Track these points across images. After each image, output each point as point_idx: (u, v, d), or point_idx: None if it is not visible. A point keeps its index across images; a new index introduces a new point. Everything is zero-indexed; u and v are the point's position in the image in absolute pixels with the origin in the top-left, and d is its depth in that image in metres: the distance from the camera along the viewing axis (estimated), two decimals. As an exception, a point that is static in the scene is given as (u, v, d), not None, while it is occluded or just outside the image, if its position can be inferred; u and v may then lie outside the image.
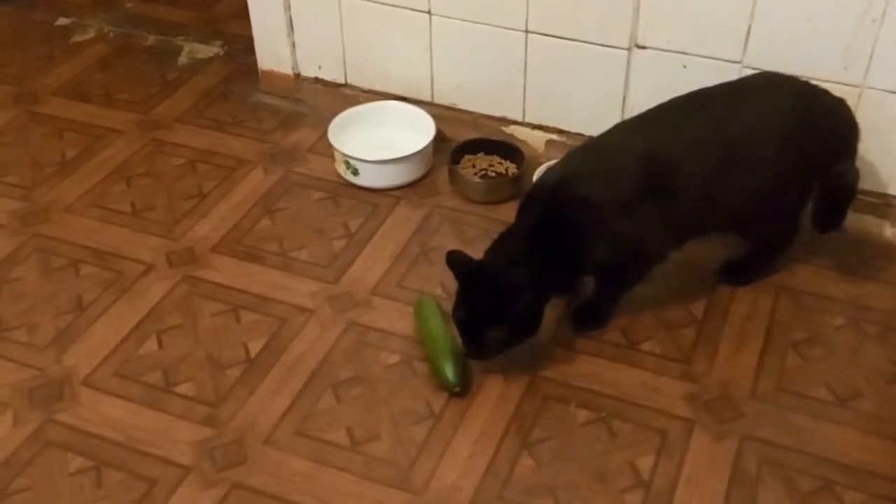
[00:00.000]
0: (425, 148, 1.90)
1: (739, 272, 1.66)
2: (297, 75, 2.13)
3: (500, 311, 1.40)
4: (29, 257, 1.74)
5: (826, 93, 1.56)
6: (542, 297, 1.46)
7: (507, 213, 1.64)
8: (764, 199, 1.52)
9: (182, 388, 1.50)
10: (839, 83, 1.64)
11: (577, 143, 1.90)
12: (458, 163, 1.91)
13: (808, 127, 1.51)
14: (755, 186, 1.49)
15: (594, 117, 1.88)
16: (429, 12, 1.90)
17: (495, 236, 1.50)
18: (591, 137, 1.58)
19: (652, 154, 1.45)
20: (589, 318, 1.58)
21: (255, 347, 1.56)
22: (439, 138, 1.95)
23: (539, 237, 1.44)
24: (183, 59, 2.32)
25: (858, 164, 1.61)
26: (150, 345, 1.57)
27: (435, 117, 1.96)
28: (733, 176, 1.47)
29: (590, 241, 1.44)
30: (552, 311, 1.54)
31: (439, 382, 1.48)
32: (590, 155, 1.53)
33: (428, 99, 2.02)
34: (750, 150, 1.47)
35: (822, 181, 1.56)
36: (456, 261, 1.45)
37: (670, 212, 1.46)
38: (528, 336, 1.46)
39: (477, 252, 1.48)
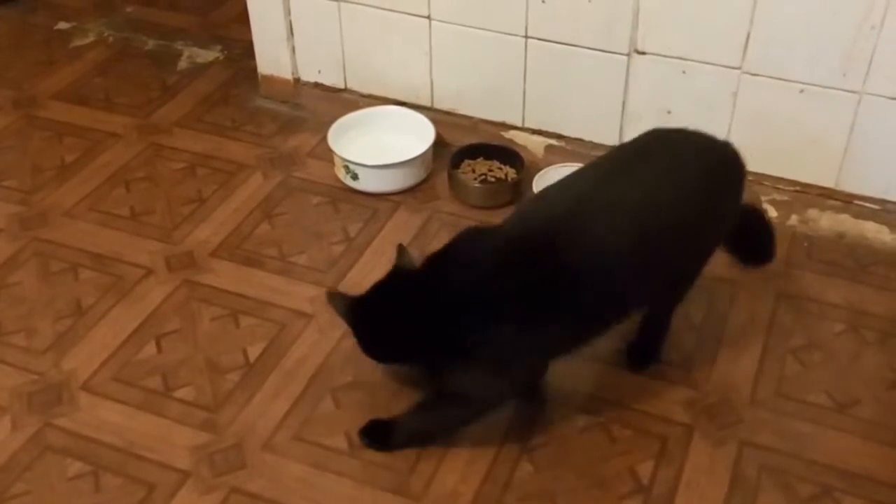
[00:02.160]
0: (424, 153, 1.90)
1: (649, 351, 1.52)
2: (297, 80, 2.14)
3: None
4: (28, 261, 1.74)
5: (715, 138, 1.42)
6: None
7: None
8: (691, 263, 1.43)
9: (181, 393, 1.49)
10: (838, 89, 1.65)
11: (577, 148, 1.92)
12: (457, 167, 1.91)
13: (722, 178, 1.40)
14: (683, 253, 1.37)
15: (593, 123, 1.88)
16: (428, 17, 1.90)
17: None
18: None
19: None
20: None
21: (254, 352, 1.56)
22: (439, 143, 1.95)
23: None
24: (183, 64, 2.32)
25: (863, 166, 1.60)
26: (149, 349, 1.57)
27: (434, 122, 1.96)
28: (661, 248, 1.31)
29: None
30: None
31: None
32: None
33: (427, 104, 2.02)
34: (678, 216, 1.32)
35: (739, 225, 1.47)
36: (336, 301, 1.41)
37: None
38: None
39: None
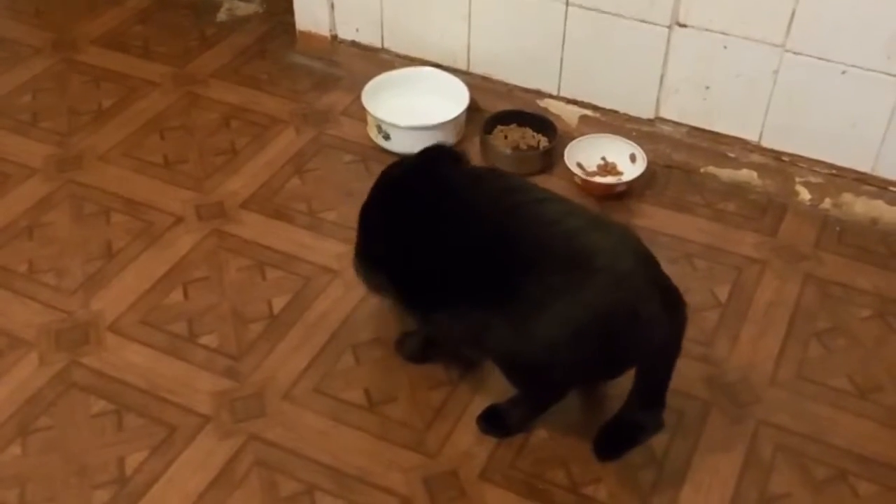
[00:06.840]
0: (458, 116, 1.89)
1: (498, 419, 1.39)
2: (334, 37, 2.13)
3: None
4: (61, 203, 1.77)
5: (660, 296, 1.25)
6: None
7: (537, 186, 1.63)
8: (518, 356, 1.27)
9: (205, 340, 1.51)
10: (881, 73, 1.62)
11: (611, 119, 1.90)
12: (490, 133, 1.90)
13: (620, 327, 1.22)
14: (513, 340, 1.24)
15: (630, 95, 1.87)
16: (470, -20, 1.89)
17: None
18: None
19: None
20: None
21: (278, 304, 1.58)
22: (472, 108, 1.94)
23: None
24: (222, 16, 2.33)
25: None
26: (176, 295, 1.59)
27: (469, 86, 1.95)
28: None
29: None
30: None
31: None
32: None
33: (463, 67, 2.01)
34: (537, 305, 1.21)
35: (620, 418, 1.31)
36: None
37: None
38: None
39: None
